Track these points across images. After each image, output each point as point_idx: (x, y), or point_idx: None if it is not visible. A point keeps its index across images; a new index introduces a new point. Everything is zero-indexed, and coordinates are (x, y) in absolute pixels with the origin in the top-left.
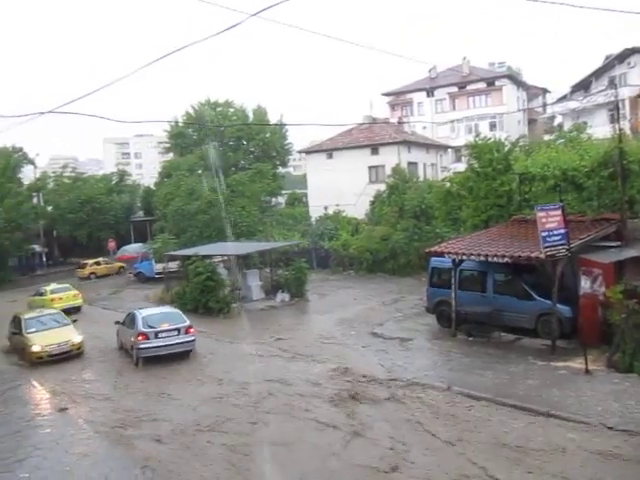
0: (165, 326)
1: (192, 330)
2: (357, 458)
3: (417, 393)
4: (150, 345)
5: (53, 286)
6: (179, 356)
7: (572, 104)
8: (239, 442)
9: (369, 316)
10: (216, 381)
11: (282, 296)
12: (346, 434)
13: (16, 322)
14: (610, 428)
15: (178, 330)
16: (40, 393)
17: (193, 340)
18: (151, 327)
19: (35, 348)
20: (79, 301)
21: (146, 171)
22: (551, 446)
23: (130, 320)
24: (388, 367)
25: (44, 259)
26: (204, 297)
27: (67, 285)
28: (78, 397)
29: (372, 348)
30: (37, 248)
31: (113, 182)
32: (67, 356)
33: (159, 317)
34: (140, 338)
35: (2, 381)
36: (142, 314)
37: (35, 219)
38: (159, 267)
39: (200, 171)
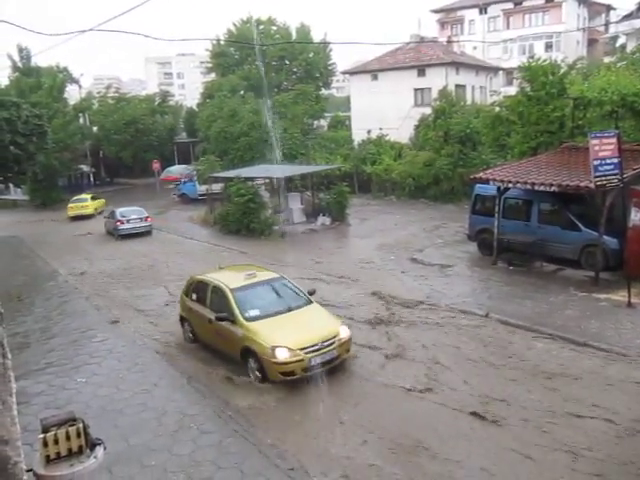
0: (133, 216)
1: (149, 219)
2: (392, 379)
3: (455, 319)
4: (124, 227)
5: (74, 198)
6: None
7: (638, 22)
8: None
9: (409, 242)
10: None
11: (323, 220)
12: (383, 355)
13: (212, 294)
14: None
15: (141, 219)
16: None
17: (150, 225)
18: (124, 216)
19: (281, 354)
20: (88, 210)
21: (188, 92)
22: (587, 375)
23: (111, 214)
24: (427, 292)
25: (92, 179)
26: (246, 219)
27: (85, 196)
28: (128, 310)
29: (411, 274)
30: (85, 168)
31: (156, 103)
32: (333, 366)
33: (129, 211)
34: (118, 223)
35: None
36: (119, 210)
37: (82, 139)
38: (202, 189)
39: (242, 92)
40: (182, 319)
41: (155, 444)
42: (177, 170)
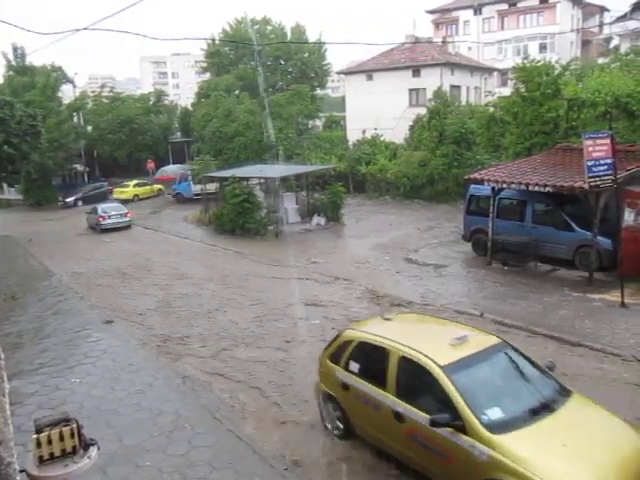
0: (114, 212)
1: (129, 214)
2: None
3: (450, 319)
4: (106, 222)
5: (121, 183)
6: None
7: (631, 24)
8: (275, 358)
9: (404, 242)
10: (254, 301)
11: (318, 220)
12: None
13: (400, 370)
14: None
15: (121, 214)
16: None
17: (130, 220)
18: (106, 212)
19: None
20: (126, 195)
21: (183, 91)
22: (581, 375)
23: (94, 210)
24: (421, 292)
25: (86, 179)
26: (241, 219)
27: (129, 183)
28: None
29: (406, 273)
30: (79, 168)
31: (151, 102)
32: None
33: (110, 208)
34: (100, 219)
35: None
36: (101, 206)
37: (76, 139)
38: (197, 188)
39: (237, 92)
40: (325, 397)
41: (150, 444)
42: (172, 170)
